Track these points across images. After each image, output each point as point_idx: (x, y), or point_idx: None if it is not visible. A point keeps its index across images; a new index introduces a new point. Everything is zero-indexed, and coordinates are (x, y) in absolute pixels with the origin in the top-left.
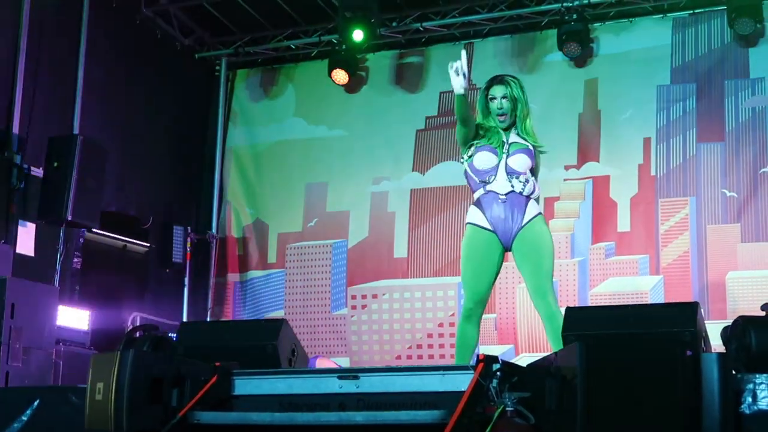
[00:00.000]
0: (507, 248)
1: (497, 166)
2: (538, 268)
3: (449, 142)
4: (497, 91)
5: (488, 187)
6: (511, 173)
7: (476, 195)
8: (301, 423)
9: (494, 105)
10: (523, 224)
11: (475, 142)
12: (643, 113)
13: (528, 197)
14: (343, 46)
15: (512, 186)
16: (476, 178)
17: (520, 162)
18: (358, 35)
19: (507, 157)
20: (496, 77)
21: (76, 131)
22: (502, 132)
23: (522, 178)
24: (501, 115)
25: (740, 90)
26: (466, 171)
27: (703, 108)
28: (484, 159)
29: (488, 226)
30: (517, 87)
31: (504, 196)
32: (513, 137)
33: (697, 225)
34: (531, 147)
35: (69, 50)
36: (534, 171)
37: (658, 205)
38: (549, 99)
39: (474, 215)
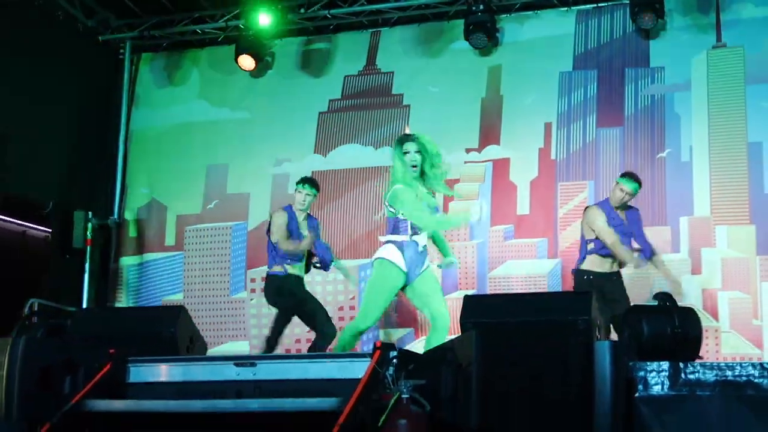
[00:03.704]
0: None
1: None
2: None
3: (351, 125)
4: (410, 147)
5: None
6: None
7: None
8: (196, 410)
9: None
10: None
11: None
12: (545, 99)
13: None
14: (250, 32)
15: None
16: None
17: None
18: (264, 20)
19: None
20: (409, 136)
21: None
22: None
23: None
24: (413, 166)
25: (640, 78)
26: None
27: (604, 94)
28: None
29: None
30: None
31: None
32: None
33: None
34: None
35: None
36: None
37: (558, 189)
38: (452, 84)
39: None
